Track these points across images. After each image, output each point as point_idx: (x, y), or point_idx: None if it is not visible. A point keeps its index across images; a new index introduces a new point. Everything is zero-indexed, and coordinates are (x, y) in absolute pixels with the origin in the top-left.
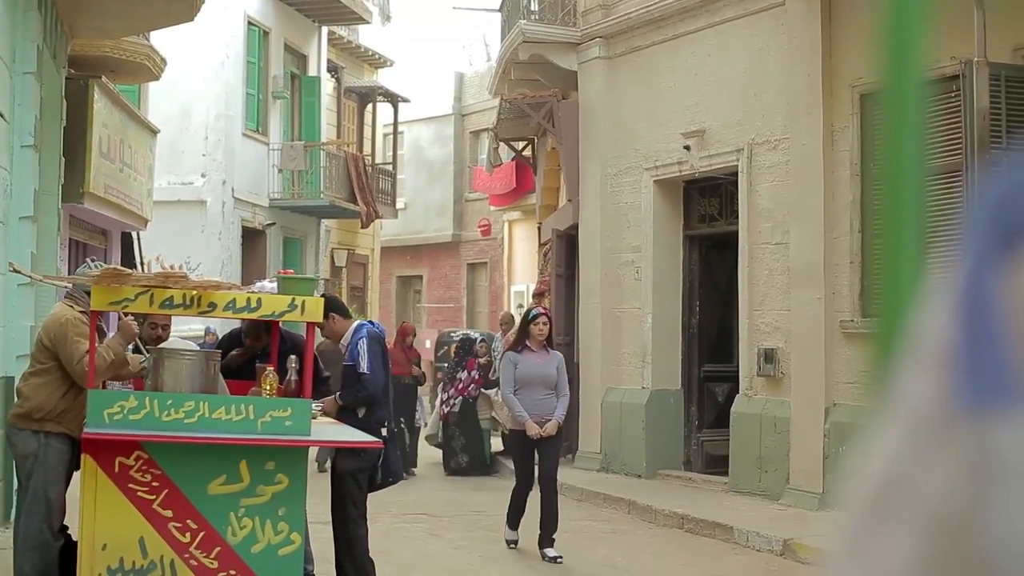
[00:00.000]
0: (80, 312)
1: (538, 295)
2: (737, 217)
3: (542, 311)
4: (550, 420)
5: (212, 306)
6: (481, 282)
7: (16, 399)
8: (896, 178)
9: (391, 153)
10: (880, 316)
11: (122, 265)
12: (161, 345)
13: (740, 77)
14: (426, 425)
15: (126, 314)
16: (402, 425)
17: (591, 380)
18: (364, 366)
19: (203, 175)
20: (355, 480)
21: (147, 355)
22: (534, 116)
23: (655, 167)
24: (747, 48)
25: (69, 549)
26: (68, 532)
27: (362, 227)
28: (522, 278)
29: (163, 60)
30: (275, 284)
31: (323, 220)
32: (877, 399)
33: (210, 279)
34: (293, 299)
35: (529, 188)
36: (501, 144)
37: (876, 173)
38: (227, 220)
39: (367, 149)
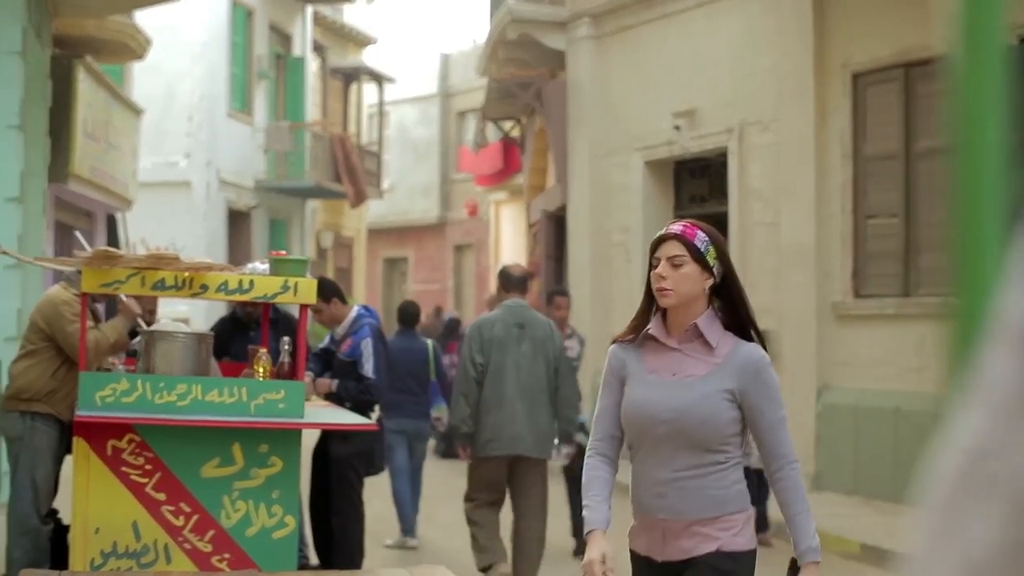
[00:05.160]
0: (75, 295)
1: (529, 276)
2: (727, 198)
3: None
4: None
5: (204, 288)
6: (468, 264)
7: (7, 382)
8: (972, 152)
9: (376, 133)
10: (960, 296)
11: (107, 247)
12: (153, 327)
13: (730, 57)
14: None
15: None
16: None
17: (581, 362)
18: (369, 370)
19: (187, 156)
20: (352, 466)
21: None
22: (522, 96)
23: (645, 147)
24: (737, 27)
25: (60, 533)
26: (59, 516)
27: (351, 207)
28: (509, 259)
29: (147, 39)
30: (267, 266)
31: (308, 201)
32: (957, 380)
33: (202, 260)
34: (286, 281)
35: (516, 169)
36: (488, 124)
37: (867, 154)
38: (212, 201)
39: (352, 129)
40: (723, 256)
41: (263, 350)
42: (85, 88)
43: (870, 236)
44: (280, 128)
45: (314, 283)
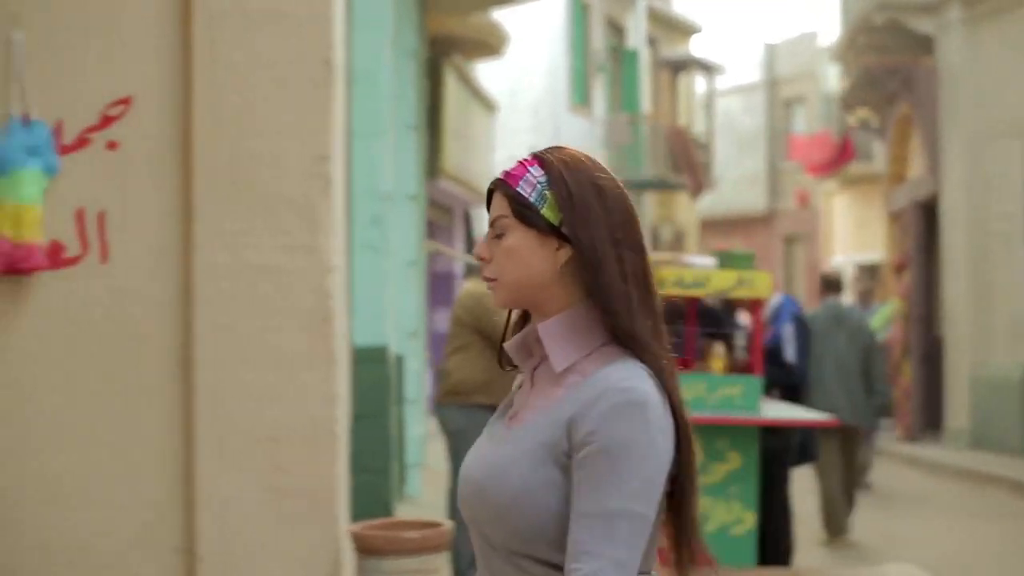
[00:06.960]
0: None
1: (899, 268)
2: None
3: None
4: None
5: (661, 283)
6: (798, 255)
7: (442, 378)
8: None
9: (703, 124)
10: None
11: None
12: None
13: None
14: None
15: None
16: None
17: (957, 354)
18: (791, 354)
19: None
20: (778, 459)
21: None
22: (888, 83)
23: None
24: None
25: None
26: None
27: (692, 197)
28: (843, 251)
29: (506, 36)
30: (706, 260)
31: (645, 193)
32: None
33: (659, 254)
34: (740, 275)
35: (849, 157)
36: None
37: None
38: None
39: (682, 120)
40: (573, 203)
41: (719, 345)
42: (452, 86)
43: None
44: (619, 121)
45: (768, 276)
